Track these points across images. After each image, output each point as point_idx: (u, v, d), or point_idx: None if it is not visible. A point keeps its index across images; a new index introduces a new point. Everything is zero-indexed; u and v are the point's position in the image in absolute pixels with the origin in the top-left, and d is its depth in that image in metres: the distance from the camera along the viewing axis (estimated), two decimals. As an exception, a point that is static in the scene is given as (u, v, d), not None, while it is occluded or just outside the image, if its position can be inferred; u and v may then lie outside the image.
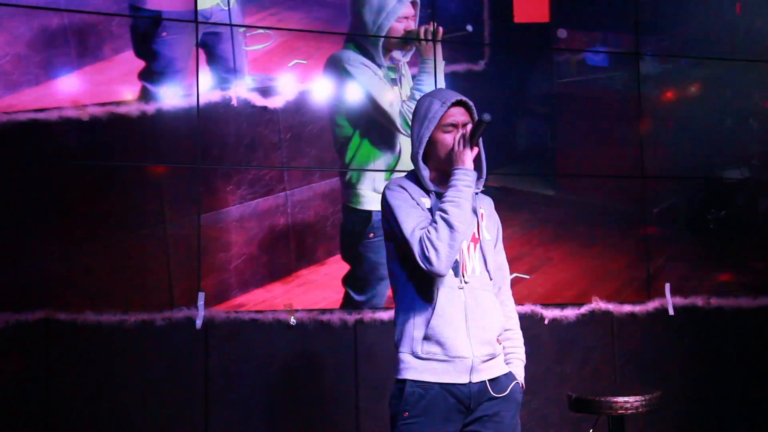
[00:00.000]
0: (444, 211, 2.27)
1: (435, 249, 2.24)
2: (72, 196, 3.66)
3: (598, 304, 4.34)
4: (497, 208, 2.57)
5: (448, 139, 2.38)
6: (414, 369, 2.32)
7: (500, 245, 2.53)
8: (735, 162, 4.75)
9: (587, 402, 3.29)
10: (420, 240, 2.27)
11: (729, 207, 4.68)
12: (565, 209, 4.48)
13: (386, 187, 2.42)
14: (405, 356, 2.34)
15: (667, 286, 4.45)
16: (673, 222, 4.61)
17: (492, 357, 2.37)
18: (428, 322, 2.31)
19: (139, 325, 3.64)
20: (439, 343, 2.31)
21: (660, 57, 4.72)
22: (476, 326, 2.33)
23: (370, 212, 4.09)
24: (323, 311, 3.92)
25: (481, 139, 2.38)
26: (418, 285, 2.36)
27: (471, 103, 2.42)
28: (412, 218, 2.32)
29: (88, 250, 3.65)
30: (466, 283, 2.35)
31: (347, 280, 4.05)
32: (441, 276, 2.30)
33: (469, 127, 2.37)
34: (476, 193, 2.43)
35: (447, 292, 2.33)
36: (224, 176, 3.91)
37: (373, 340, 3.93)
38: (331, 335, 3.91)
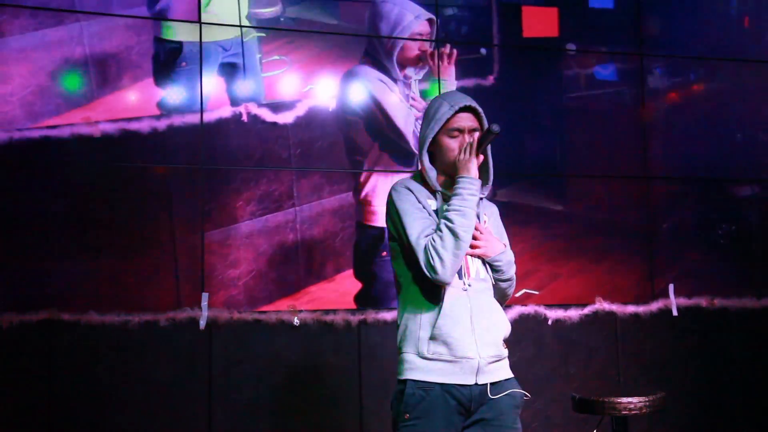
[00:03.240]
0: (449, 219, 2.27)
1: (440, 258, 2.25)
2: (75, 197, 3.66)
3: (602, 305, 4.33)
4: (505, 224, 2.58)
5: (452, 143, 2.38)
6: (418, 369, 2.31)
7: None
8: (745, 176, 4.74)
9: (591, 402, 3.29)
10: (425, 248, 2.28)
11: (739, 222, 4.67)
12: (574, 225, 4.46)
13: (392, 188, 2.42)
14: (409, 356, 2.33)
15: (671, 286, 4.45)
16: (683, 237, 4.60)
17: (498, 359, 2.37)
18: (435, 322, 2.31)
19: (143, 325, 3.65)
20: (445, 344, 2.30)
21: (668, 71, 4.72)
22: (481, 328, 2.33)
23: (383, 229, 4.06)
24: (327, 312, 3.92)
25: (489, 146, 2.39)
26: (425, 285, 2.35)
27: (480, 110, 2.41)
28: (418, 224, 2.32)
29: (91, 251, 3.66)
30: (469, 285, 2.35)
31: (360, 299, 4.05)
32: (445, 283, 2.30)
33: (477, 135, 2.37)
34: (480, 199, 2.43)
35: (453, 293, 2.33)
36: (234, 192, 3.91)
37: (377, 340, 3.93)
38: (334, 336, 3.91)
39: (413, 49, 4.21)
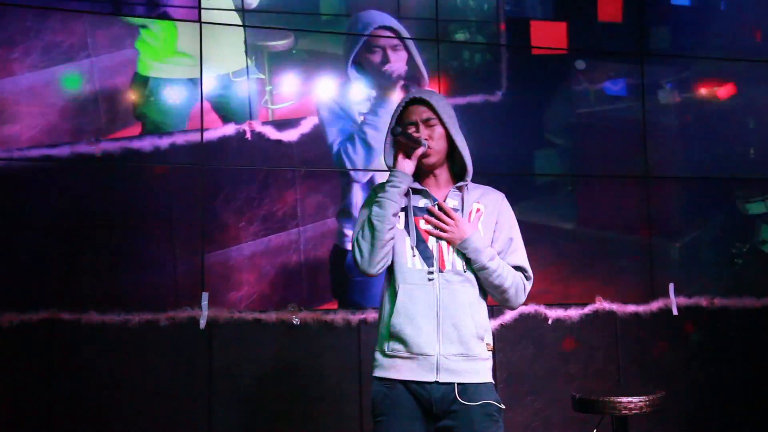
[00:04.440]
0: (371, 212, 2.30)
1: (359, 248, 2.31)
2: (76, 197, 3.66)
3: (602, 305, 4.33)
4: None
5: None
6: (381, 367, 2.34)
7: (510, 246, 2.40)
8: (758, 193, 4.71)
9: (591, 402, 3.28)
10: (352, 242, 2.34)
11: (753, 240, 4.66)
12: (585, 244, 4.38)
13: (369, 191, 2.49)
14: (376, 354, 2.37)
15: (671, 286, 4.44)
16: (697, 257, 4.58)
17: (465, 357, 2.29)
18: (389, 319, 2.31)
19: (143, 325, 3.65)
20: (401, 341, 2.30)
21: (680, 85, 4.65)
22: (448, 323, 2.28)
23: None
24: (327, 311, 3.92)
25: (456, 132, 2.37)
26: (386, 283, 2.38)
27: (431, 100, 2.37)
28: (358, 224, 2.38)
29: (91, 250, 3.66)
30: (440, 272, 2.30)
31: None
32: (370, 275, 2.33)
33: (437, 127, 2.36)
34: (459, 187, 2.38)
35: (409, 289, 2.30)
36: (236, 212, 3.86)
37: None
38: (334, 335, 3.91)
39: (373, 62, 4.12)
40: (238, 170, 3.89)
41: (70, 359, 3.57)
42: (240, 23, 3.97)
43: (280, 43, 4.06)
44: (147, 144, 3.77)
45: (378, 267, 2.31)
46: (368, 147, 4.05)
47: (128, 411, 3.61)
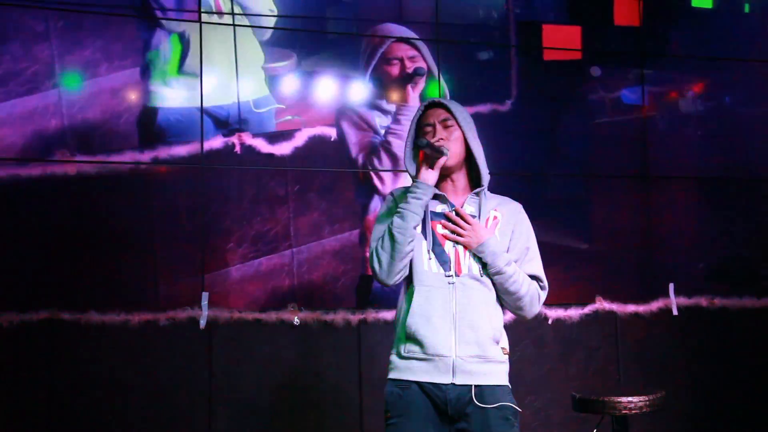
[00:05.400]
0: (391, 223, 2.31)
1: (378, 259, 2.32)
2: (76, 197, 3.66)
3: (602, 304, 4.33)
4: None
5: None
6: (396, 369, 2.34)
7: (527, 255, 2.42)
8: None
9: (591, 402, 3.28)
10: (371, 252, 2.35)
11: (740, 222, 4.64)
12: (600, 265, 4.23)
13: (386, 196, 2.49)
14: (392, 356, 2.37)
15: (671, 286, 4.44)
16: (724, 279, 4.56)
17: (481, 359, 2.30)
18: (406, 321, 2.32)
19: (143, 325, 3.64)
20: (418, 342, 2.30)
21: (701, 95, 4.48)
22: (465, 325, 2.29)
23: None
24: (327, 311, 3.92)
25: (473, 137, 2.39)
26: (405, 285, 2.39)
27: (448, 104, 2.41)
28: (377, 232, 2.39)
29: (91, 251, 3.66)
30: (457, 276, 2.32)
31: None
32: (388, 285, 2.34)
33: (453, 129, 2.38)
34: (477, 193, 2.40)
35: (425, 291, 2.31)
36: (224, 233, 3.69)
37: (377, 339, 3.93)
38: (334, 335, 3.91)
39: (392, 74, 4.00)
40: (226, 185, 3.73)
41: (70, 359, 3.57)
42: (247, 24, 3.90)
43: (282, 64, 3.90)
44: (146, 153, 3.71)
45: (396, 278, 2.33)
46: (394, 157, 3.94)
47: (128, 411, 3.61)
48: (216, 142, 3.72)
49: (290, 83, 3.92)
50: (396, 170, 4.09)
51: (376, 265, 2.33)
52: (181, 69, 3.73)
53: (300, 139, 3.81)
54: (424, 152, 2.33)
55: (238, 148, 3.70)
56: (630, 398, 3.23)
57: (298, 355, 3.87)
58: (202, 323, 3.72)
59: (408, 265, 2.34)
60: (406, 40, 4.09)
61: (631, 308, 4.38)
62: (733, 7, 4.62)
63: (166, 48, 3.74)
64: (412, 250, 2.32)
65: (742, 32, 4.57)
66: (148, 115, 3.66)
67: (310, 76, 3.90)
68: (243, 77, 3.77)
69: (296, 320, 3.84)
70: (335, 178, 3.88)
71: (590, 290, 4.36)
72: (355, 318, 3.94)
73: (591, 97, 4.29)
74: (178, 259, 3.77)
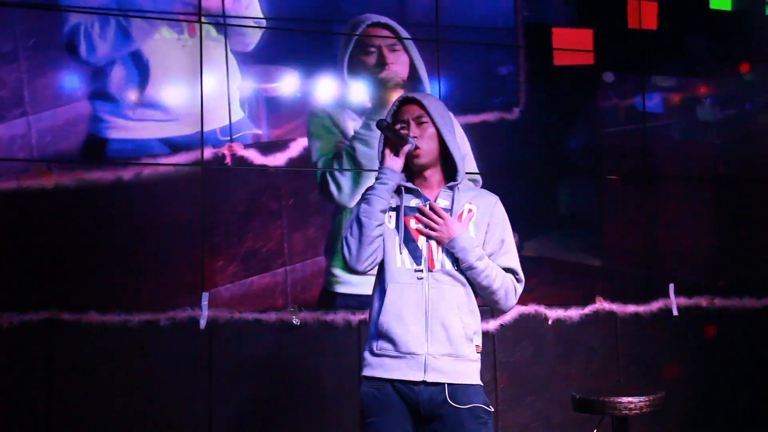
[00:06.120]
0: (359, 208, 2.33)
1: (347, 245, 2.32)
2: (75, 197, 3.66)
3: (602, 304, 4.33)
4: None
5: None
6: (369, 366, 2.35)
7: (502, 248, 2.40)
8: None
9: (591, 402, 3.28)
10: (341, 240, 2.35)
11: (739, 221, 4.61)
12: (613, 283, 4.11)
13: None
14: (365, 353, 2.38)
15: (671, 286, 4.44)
16: (724, 279, 4.54)
17: (453, 357, 2.28)
18: (378, 318, 2.33)
19: (143, 325, 3.64)
20: (389, 340, 2.31)
21: (722, 103, 4.30)
22: (437, 322, 2.28)
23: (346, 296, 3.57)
24: (327, 311, 3.92)
25: (448, 133, 2.37)
26: (376, 282, 2.39)
27: (422, 99, 2.39)
28: (348, 221, 2.38)
29: (91, 250, 3.65)
30: (430, 272, 2.31)
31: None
32: (358, 272, 2.34)
33: (427, 126, 2.36)
34: (451, 187, 2.39)
35: (397, 288, 2.31)
36: (211, 250, 3.52)
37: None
38: (334, 335, 3.90)
39: (369, 63, 3.73)
40: (214, 215, 3.60)
41: (70, 359, 3.56)
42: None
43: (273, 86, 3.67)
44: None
45: (366, 264, 2.33)
46: (357, 166, 3.66)
47: (128, 411, 3.61)
48: (205, 153, 3.61)
49: (276, 104, 3.62)
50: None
51: (345, 252, 2.33)
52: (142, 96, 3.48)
53: (295, 149, 3.65)
54: (386, 136, 2.32)
55: (228, 160, 3.57)
56: (630, 398, 3.22)
57: (298, 355, 3.87)
58: (202, 323, 3.72)
59: (378, 251, 2.33)
60: (400, 39, 3.88)
61: (631, 308, 4.38)
62: (753, 8, 4.46)
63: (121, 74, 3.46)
64: (380, 235, 2.32)
65: (764, 35, 4.42)
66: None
67: (299, 96, 3.65)
68: (213, 99, 3.51)
69: (296, 320, 3.84)
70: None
71: (590, 290, 4.36)
72: (355, 318, 3.93)
73: (603, 104, 4.12)
74: (178, 260, 3.76)
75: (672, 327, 4.44)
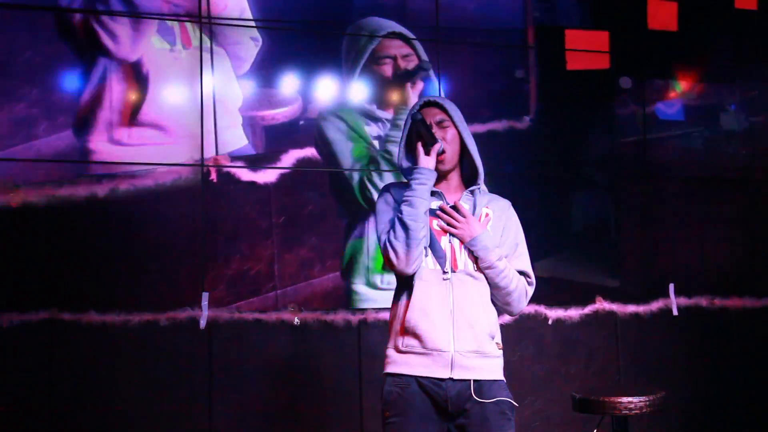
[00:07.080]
0: (399, 211, 2.32)
1: (393, 249, 2.30)
2: (75, 199, 3.66)
3: (602, 304, 4.33)
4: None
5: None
6: (394, 363, 2.34)
7: (516, 251, 2.44)
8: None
9: (591, 402, 3.28)
10: (384, 245, 2.33)
11: (739, 221, 4.61)
12: (600, 266, 3.96)
13: (380, 191, 2.48)
14: (388, 350, 2.37)
15: (671, 286, 4.44)
16: (724, 279, 4.52)
17: (479, 354, 2.32)
18: (405, 314, 2.33)
19: (144, 325, 3.64)
20: (416, 336, 2.31)
21: (747, 110, 4.11)
22: (463, 319, 2.31)
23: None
24: (327, 311, 3.92)
25: (468, 137, 2.39)
26: (401, 279, 2.40)
27: (444, 103, 2.41)
28: (383, 225, 2.38)
29: (91, 251, 3.66)
30: (453, 272, 2.33)
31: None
32: (406, 274, 2.33)
33: (450, 129, 2.39)
34: (472, 191, 2.43)
35: (425, 285, 2.33)
36: (193, 272, 3.39)
37: (377, 339, 3.92)
38: (335, 335, 3.91)
39: (387, 73, 3.67)
40: (196, 233, 3.56)
41: (70, 359, 3.56)
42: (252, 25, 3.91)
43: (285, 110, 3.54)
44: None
45: (415, 265, 2.32)
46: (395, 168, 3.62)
47: (129, 411, 3.61)
48: (185, 169, 3.50)
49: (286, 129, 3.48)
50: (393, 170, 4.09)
51: (392, 257, 2.30)
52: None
53: (286, 162, 3.47)
54: (419, 133, 2.32)
55: (213, 176, 3.40)
56: (630, 398, 3.22)
57: (298, 355, 3.87)
58: (202, 323, 3.72)
59: (423, 251, 2.34)
60: (406, 39, 3.87)
61: (631, 308, 4.38)
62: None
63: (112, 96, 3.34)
64: (426, 235, 2.33)
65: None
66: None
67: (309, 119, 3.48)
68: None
69: (296, 320, 3.84)
70: (326, 208, 3.58)
71: (590, 290, 4.36)
72: (355, 318, 3.94)
73: (620, 111, 3.91)
74: (178, 260, 3.77)
75: (672, 327, 4.44)
